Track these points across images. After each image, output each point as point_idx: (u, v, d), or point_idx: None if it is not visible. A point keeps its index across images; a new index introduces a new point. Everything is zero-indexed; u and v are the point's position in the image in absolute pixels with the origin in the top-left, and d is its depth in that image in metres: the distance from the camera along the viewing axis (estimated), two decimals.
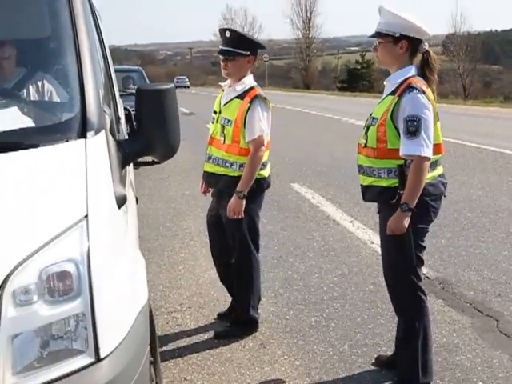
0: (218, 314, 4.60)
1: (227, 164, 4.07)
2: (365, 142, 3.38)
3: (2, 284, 1.89)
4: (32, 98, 2.84)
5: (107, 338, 2.04)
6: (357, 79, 57.27)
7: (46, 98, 2.81)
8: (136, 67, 15.24)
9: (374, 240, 6.31)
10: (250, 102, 4.01)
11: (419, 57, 3.40)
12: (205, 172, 4.28)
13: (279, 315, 4.61)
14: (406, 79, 3.29)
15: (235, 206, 4.01)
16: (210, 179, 4.25)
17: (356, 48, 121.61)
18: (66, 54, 2.71)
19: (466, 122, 19.35)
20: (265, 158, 4.14)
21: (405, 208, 3.18)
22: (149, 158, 10.82)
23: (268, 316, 4.58)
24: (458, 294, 4.88)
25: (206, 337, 4.30)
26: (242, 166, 4.04)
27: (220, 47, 4.10)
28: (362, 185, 3.51)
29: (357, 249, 6.18)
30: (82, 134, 2.42)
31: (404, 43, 3.31)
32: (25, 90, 2.84)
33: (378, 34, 3.36)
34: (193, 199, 8.70)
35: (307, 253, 6.14)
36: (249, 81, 4.13)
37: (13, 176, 2.19)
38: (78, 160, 2.31)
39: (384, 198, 3.35)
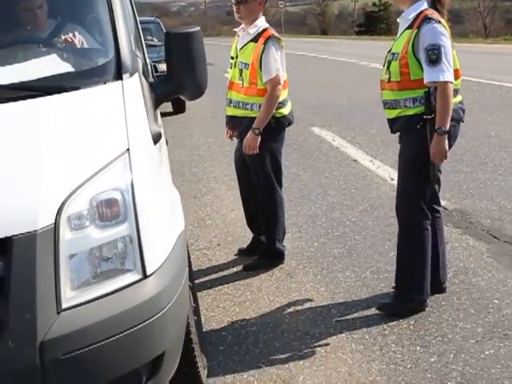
0: (239, 250, 4.88)
1: (247, 106, 4.28)
2: (388, 77, 3.57)
3: (58, 210, 2.12)
4: (73, 44, 3.02)
5: (152, 257, 2.28)
6: (374, 22, 56.36)
7: (89, 41, 3.00)
8: (153, 18, 15.27)
9: (393, 177, 6.49)
10: (264, 44, 4.20)
11: None
12: (227, 116, 4.49)
13: (304, 248, 4.87)
14: (421, 12, 3.48)
15: (250, 141, 4.22)
16: (232, 122, 4.47)
17: None
18: (99, 3, 2.90)
19: (486, 60, 19.17)
20: (283, 97, 4.33)
21: (441, 131, 3.40)
22: (170, 109, 10.98)
23: (294, 249, 4.84)
24: (476, 222, 5.09)
25: (235, 270, 4.57)
26: (260, 106, 4.23)
27: None
28: (388, 118, 3.71)
29: (377, 185, 6.39)
30: (118, 76, 2.63)
31: None
32: (65, 38, 3.03)
33: None
34: (215, 146, 8.90)
35: (329, 191, 6.36)
36: (261, 23, 4.30)
37: (60, 116, 2.42)
38: (116, 100, 2.53)
39: (410, 125, 3.55)
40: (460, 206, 5.51)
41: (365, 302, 3.89)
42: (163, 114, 11.47)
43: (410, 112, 3.52)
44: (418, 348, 3.35)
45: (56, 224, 2.11)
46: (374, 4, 57.33)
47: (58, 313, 2.08)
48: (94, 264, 2.19)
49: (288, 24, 70.01)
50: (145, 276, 2.25)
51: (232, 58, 4.42)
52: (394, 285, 3.85)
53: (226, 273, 4.54)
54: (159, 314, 2.25)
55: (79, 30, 3.02)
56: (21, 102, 2.43)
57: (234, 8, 4.29)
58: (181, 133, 10.47)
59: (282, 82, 4.26)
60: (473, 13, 49.68)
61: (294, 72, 19.60)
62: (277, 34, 4.31)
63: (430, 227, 3.68)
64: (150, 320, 2.23)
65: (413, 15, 3.51)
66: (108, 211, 2.23)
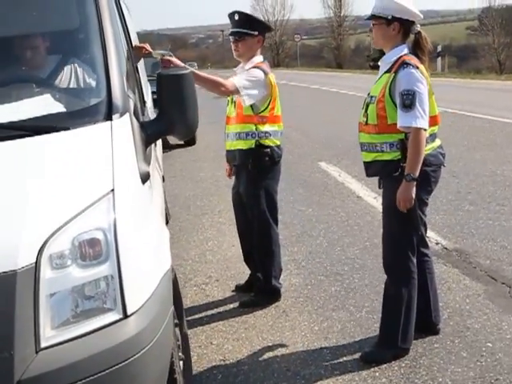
0: (236, 286, 4.88)
1: (236, 136, 4.33)
2: (365, 119, 3.59)
3: (40, 249, 2.15)
4: (65, 84, 3.10)
5: (133, 297, 2.29)
6: None
7: (81, 82, 3.07)
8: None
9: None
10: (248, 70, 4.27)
11: (412, 38, 3.60)
12: (226, 151, 4.55)
13: (301, 285, 4.86)
14: (400, 57, 3.52)
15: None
16: (229, 155, 4.53)
17: None
18: (93, 45, 2.97)
19: (497, 97, 19.19)
20: (271, 128, 4.35)
21: (409, 178, 3.40)
22: (180, 141, 11.08)
23: (291, 286, 4.84)
24: (475, 263, 5.06)
25: (231, 306, 4.58)
26: (248, 134, 4.29)
27: (230, 30, 4.35)
28: (364, 161, 3.71)
29: (379, 223, 6.28)
30: (108, 117, 2.68)
31: (396, 25, 3.54)
32: (58, 78, 3.11)
33: (372, 17, 3.60)
34: (222, 179, 8.91)
35: (331, 227, 6.37)
36: (257, 59, 4.38)
37: (47, 156, 2.47)
38: (104, 140, 2.58)
39: (387, 171, 3.55)
40: (460, 246, 5.49)
41: (358, 343, 3.87)
42: (174, 146, 11.67)
43: (386, 157, 3.52)
44: None
45: (37, 263, 2.13)
46: None
47: (37, 352, 2.10)
48: (75, 303, 2.21)
49: (304, 57, 70.66)
50: (125, 316, 2.26)
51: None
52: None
53: (221, 309, 4.55)
54: (139, 354, 2.26)
55: (78, 64, 3.10)
56: (8, 142, 2.49)
57: (233, 46, 4.37)
58: (189, 166, 10.56)
59: (231, 90, 4.18)
60: (488, 49, 49.79)
61: (304, 105, 19.89)
62: (267, 68, 4.35)
63: (416, 276, 3.64)
64: (130, 359, 2.23)
65: (393, 59, 3.55)
66: (90, 251, 2.26)
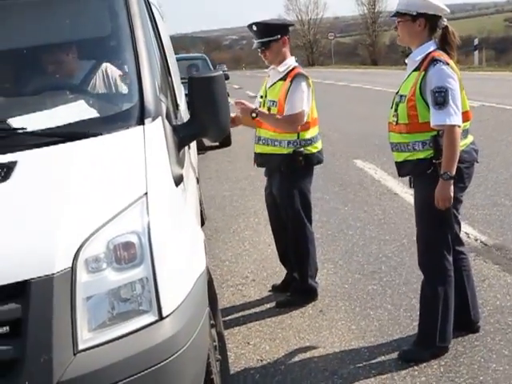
0: (273, 286, 4.88)
1: (276, 143, 4.32)
2: (396, 119, 3.54)
3: (75, 254, 2.19)
4: (98, 90, 3.15)
5: (168, 299, 2.32)
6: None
7: (113, 87, 3.12)
8: (200, 54, 15.61)
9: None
10: (291, 81, 4.27)
11: (439, 33, 3.55)
12: (255, 153, 4.55)
13: (338, 284, 4.85)
14: (428, 54, 3.46)
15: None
16: (261, 159, 4.52)
17: None
18: (125, 51, 3.02)
19: None
20: (312, 134, 4.38)
21: (446, 177, 3.34)
22: (214, 143, 11.14)
23: (328, 285, 4.82)
24: None
25: (268, 306, 4.59)
26: (290, 143, 4.29)
27: (254, 42, 4.39)
28: (396, 161, 3.67)
29: None
30: (141, 121, 2.72)
31: (421, 21, 3.48)
32: (91, 84, 3.16)
33: (397, 14, 3.55)
34: (257, 180, 8.92)
35: (367, 225, 6.33)
36: (290, 62, 4.41)
37: (81, 161, 2.51)
38: (137, 144, 2.61)
39: (420, 169, 3.50)
40: (500, 242, 5.41)
41: (396, 342, 3.85)
42: (209, 148, 11.72)
43: (419, 155, 3.47)
44: None
45: (73, 267, 2.17)
46: None
47: (75, 354, 2.14)
48: (111, 306, 2.24)
49: (338, 55, 70.24)
50: (161, 318, 2.29)
51: (261, 96, 4.50)
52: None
53: (258, 309, 4.56)
54: (175, 356, 2.28)
55: (110, 68, 3.15)
56: (45, 148, 2.54)
57: (262, 56, 4.42)
58: (225, 166, 10.60)
59: (304, 120, 4.29)
60: None
61: (339, 103, 19.79)
62: (305, 72, 4.38)
63: (452, 274, 3.59)
64: (166, 361, 2.26)
65: (420, 57, 3.49)
66: (125, 254, 2.29)
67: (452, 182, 3.37)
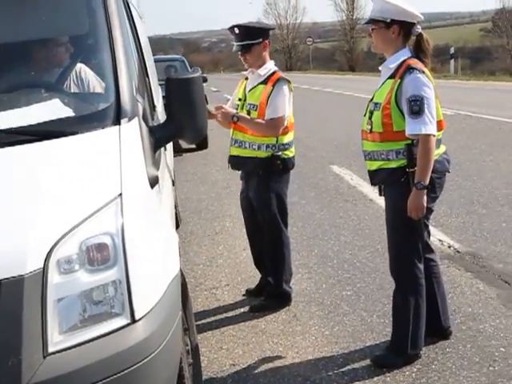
0: (247, 291, 4.87)
1: (254, 146, 4.31)
2: (370, 127, 3.53)
3: (47, 254, 2.15)
4: (74, 89, 3.11)
5: (141, 302, 2.29)
6: None
7: (86, 87, 3.08)
8: (178, 56, 15.57)
9: None
10: (273, 86, 4.26)
11: (413, 40, 3.56)
12: (230, 156, 4.53)
13: (312, 289, 4.85)
14: (403, 62, 3.46)
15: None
16: (237, 162, 4.50)
17: None
18: (102, 50, 2.98)
19: (511, 98, 19.07)
20: (289, 139, 4.37)
21: (420, 186, 3.34)
22: (189, 145, 11.09)
23: (302, 290, 4.82)
24: (488, 266, 5.03)
25: (242, 310, 4.57)
26: (268, 146, 4.28)
27: (234, 44, 4.37)
28: (369, 170, 3.66)
29: None
30: (117, 122, 2.68)
31: (395, 28, 3.48)
32: (67, 82, 3.11)
33: (371, 21, 3.56)
34: (234, 184, 8.88)
35: (342, 231, 6.34)
36: (271, 65, 4.41)
37: (55, 160, 2.47)
38: (112, 145, 2.57)
39: (393, 178, 3.48)
40: (473, 250, 5.46)
41: (369, 348, 3.85)
42: (186, 150, 11.67)
43: (393, 165, 3.46)
44: None
45: (45, 268, 2.13)
46: None
47: (45, 357, 2.10)
48: (83, 308, 2.21)
49: (316, 60, 70.51)
50: (133, 321, 2.25)
51: (239, 99, 4.48)
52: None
53: (232, 313, 4.54)
54: (147, 359, 2.26)
55: (86, 70, 3.11)
56: (18, 147, 2.49)
57: (241, 58, 4.41)
58: (201, 169, 10.56)
59: (285, 124, 4.29)
60: (502, 50, 49.51)
61: (316, 109, 19.86)
62: (285, 77, 4.37)
63: (423, 282, 3.60)
64: (138, 364, 2.23)
65: (395, 64, 3.48)
66: (98, 255, 2.26)
67: (425, 191, 3.37)
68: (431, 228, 6.04)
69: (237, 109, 4.47)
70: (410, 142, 3.41)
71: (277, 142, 4.30)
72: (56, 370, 2.10)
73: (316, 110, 18.72)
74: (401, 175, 3.44)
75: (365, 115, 3.64)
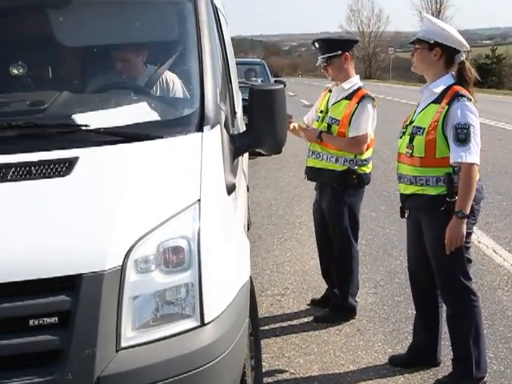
0: (312, 300, 4.89)
1: (332, 159, 4.33)
2: (410, 151, 3.48)
3: (126, 253, 2.25)
4: (161, 94, 3.21)
5: (211, 306, 2.36)
6: (485, 75, 54.99)
7: (176, 92, 3.18)
8: (258, 60, 15.71)
9: (481, 240, 6.36)
10: (358, 103, 4.27)
11: (456, 68, 3.51)
12: (307, 167, 4.57)
13: (378, 305, 4.83)
14: (449, 87, 3.42)
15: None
16: (313, 173, 4.53)
17: (488, 41, 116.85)
18: (191, 57, 3.07)
19: None
20: (368, 155, 4.37)
21: (461, 215, 3.30)
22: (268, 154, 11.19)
23: (367, 305, 4.81)
24: None
25: (305, 320, 4.59)
26: (346, 161, 4.29)
27: (318, 58, 4.43)
28: (402, 193, 3.63)
29: None
30: (200, 128, 2.76)
31: (438, 50, 3.46)
32: (155, 87, 3.22)
33: (416, 40, 3.54)
34: (306, 190, 8.94)
35: None
36: (356, 80, 4.41)
37: (140, 163, 2.57)
38: (194, 151, 2.66)
39: (432, 207, 3.44)
40: None
41: (432, 370, 3.80)
42: (260, 154, 11.76)
43: (431, 192, 3.43)
44: None
45: (123, 266, 2.23)
46: (487, 56, 56.06)
47: (117, 351, 2.20)
48: (156, 307, 2.30)
49: (397, 70, 69.53)
50: (203, 323, 2.33)
51: (321, 111, 4.51)
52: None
53: (295, 322, 4.57)
54: (213, 362, 2.32)
55: (173, 77, 3.21)
56: (106, 147, 2.61)
57: (324, 72, 4.45)
58: (274, 174, 10.63)
59: (368, 141, 4.31)
60: None
61: (393, 120, 19.56)
62: (370, 94, 4.38)
63: (477, 302, 3.57)
64: (204, 367, 2.30)
65: (440, 89, 3.45)
66: (174, 258, 2.34)
67: (465, 221, 3.33)
68: (505, 252, 6.01)
69: (317, 121, 4.50)
70: (450, 170, 3.37)
71: (355, 156, 4.32)
72: (127, 365, 2.19)
73: (393, 122, 18.48)
74: (440, 204, 3.40)
75: (400, 137, 3.62)
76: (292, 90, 32.39)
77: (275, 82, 12.15)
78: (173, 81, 3.14)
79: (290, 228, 7.15)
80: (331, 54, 4.34)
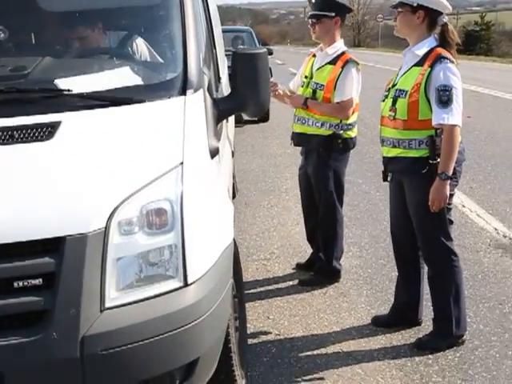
0: (297, 264, 4.96)
1: (317, 124, 4.35)
2: (393, 114, 3.50)
3: (110, 216, 2.28)
4: (144, 58, 3.21)
5: (194, 267, 2.40)
6: (474, 42, 54.82)
7: (159, 56, 3.17)
8: (246, 27, 15.58)
9: (465, 203, 6.44)
10: (343, 67, 4.27)
11: (438, 30, 3.52)
12: (293, 133, 4.59)
13: (362, 268, 4.90)
14: (432, 50, 3.44)
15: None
16: (299, 139, 4.55)
17: (477, 8, 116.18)
18: (173, 21, 3.08)
19: None
20: (353, 119, 4.39)
21: (444, 176, 3.34)
22: (251, 118, 11.17)
23: (351, 268, 4.88)
24: None
25: (291, 283, 4.66)
26: (331, 125, 4.31)
27: (309, 13, 4.39)
28: (385, 156, 3.66)
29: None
30: (183, 92, 2.78)
31: (421, 13, 3.46)
32: (138, 52, 3.22)
33: (399, 4, 3.53)
34: (292, 157, 8.95)
35: None
36: (340, 45, 4.39)
37: (122, 126, 2.59)
38: (177, 114, 2.68)
39: (414, 169, 3.47)
40: None
41: (414, 330, 3.88)
42: (247, 122, 11.77)
43: (413, 154, 3.46)
44: (460, 382, 3.34)
45: (107, 228, 2.26)
46: (476, 23, 55.83)
47: (101, 311, 2.24)
48: (139, 268, 2.34)
49: (386, 38, 69.12)
50: (186, 284, 2.38)
51: (306, 77, 4.51)
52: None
53: (281, 285, 4.64)
54: (196, 322, 2.37)
55: (144, 42, 3.21)
56: (87, 111, 2.62)
57: (311, 29, 4.41)
58: (261, 142, 10.64)
59: (353, 106, 4.33)
60: None
61: (380, 88, 19.44)
62: (355, 58, 4.38)
63: (458, 262, 3.64)
64: (187, 326, 2.35)
65: (423, 51, 3.46)
66: (157, 220, 2.38)
67: (448, 181, 3.38)
68: (488, 216, 6.09)
69: (302, 86, 4.50)
70: (433, 132, 3.40)
71: (340, 121, 4.33)
72: (111, 324, 2.24)
73: (380, 89, 18.47)
74: (423, 166, 3.43)
75: (383, 101, 3.64)
76: (280, 58, 32.18)
77: None
78: (155, 45, 3.14)
79: (276, 195, 7.20)
80: (325, 13, 4.32)
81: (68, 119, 2.56)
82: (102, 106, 2.67)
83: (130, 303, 2.29)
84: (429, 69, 3.40)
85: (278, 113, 11.91)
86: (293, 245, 5.46)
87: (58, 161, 2.40)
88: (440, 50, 3.44)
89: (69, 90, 2.69)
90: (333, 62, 4.35)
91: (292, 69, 22.67)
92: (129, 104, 2.70)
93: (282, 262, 5.09)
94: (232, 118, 5.45)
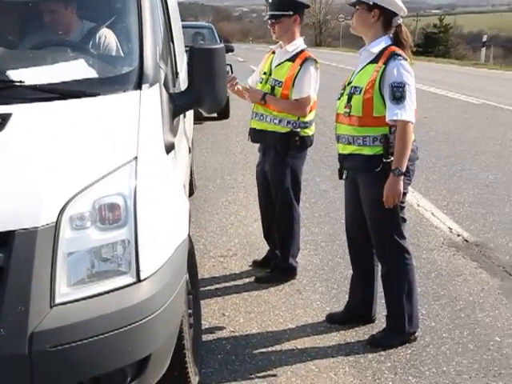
0: (254, 261, 4.96)
1: (275, 121, 4.36)
2: (348, 111, 3.55)
3: (61, 210, 2.24)
4: (99, 51, 3.17)
5: (147, 263, 2.38)
6: (433, 43, 55.72)
7: (114, 50, 3.14)
8: (207, 24, 15.53)
9: (420, 203, 6.54)
10: (301, 64, 4.29)
11: (393, 31, 3.58)
12: (251, 129, 4.58)
13: (318, 266, 4.93)
14: (386, 48, 3.50)
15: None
16: (256, 135, 4.55)
17: (436, 11, 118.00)
18: (129, 14, 3.05)
19: None
20: (310, 117, 4.41)
21: (398, 172, 3.39)
22: (213, 114, 11.11)
23: (307, 266, 4.90)
24: (493, 257, 5.07)
25: (247, 280, 4.66)
26: (289, 122, 4.33)
27: (267, 14, 4.39)
28: (341, 153, 3.69)
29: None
30: (138, 86, 2.76)
31: (376, 12, 3.52)
32: (93, 44, 3.18)
33: (357, 2, 3.59)
34: (252, 154, 8.97)
35: None
36: (299, 43, 4.40)
37: (75, 120, 2.55)
38: (132, 109, 2.65)
39: (368, 166, 3.51)
40: (481, 240, 5.50)
41: (367, 327, 3.92)
42: (207, 119, 11.73)
43: (367, 151, 3.49)
44: (411, 378, 3.38)
45: (57, 222, 2.23)
46: (435, 25, 56.70)
47: (51, 307, 2.20)
48: (91, 264, 2.30)
49: (347, 38, 69.70)
50: (138, 280, 2.35)
51: (265, 73, 4.51)
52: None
53: (237, 283, 4.63)
54: (149, 318, 2.35)
55: (110, 34, 3.17)
56: (40, 104, 2.57)
57: (271, 29, 4.42)
58: (221, 139, 10.61)
59: (311, 103, 4.34)
60: None
61: (339, 86, 19.62)
62: (314, 56, 4.40)
63: (411, 260, 3.69)
64: (139, 322, 2.33)
65: (377, 49, 3.52)
66: (109, 215, 2.35)
67: (402, 178, 3.42)
68: (442, 215, 6.19)
69: (261, 82, 4.50)
70: (387, 130, 3.45)
71: (298, 119, 4.35)
72: (61, 320, 2.20)
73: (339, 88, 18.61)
74: (376, 164, 3.48)
75: (339, 98, 3.68)
76: (242, 55, 32.20)
77: None
78: (111, 38, 3.10)
79: (234, 192, 7.19)
80: (282, 13, 4.33)
81: (19, 111, 2.52)
82: (55, 99, 2.62)
83: (81, 299, 2.26)
84: (383, 66, 3.45)
85: (239, 110, 11.92)
86: (250, 242, 5.46)
87: (7, 153, 2.35)
88: (394, 48, 3.49)
89: (21, 82, 2.64)
90: (292, 59, 4.36)
91: (253, 66, 22.71)
92: (82, 97, 2.66)
93: (238, 259, 5.09)
94: (190, 115, 5.43)
